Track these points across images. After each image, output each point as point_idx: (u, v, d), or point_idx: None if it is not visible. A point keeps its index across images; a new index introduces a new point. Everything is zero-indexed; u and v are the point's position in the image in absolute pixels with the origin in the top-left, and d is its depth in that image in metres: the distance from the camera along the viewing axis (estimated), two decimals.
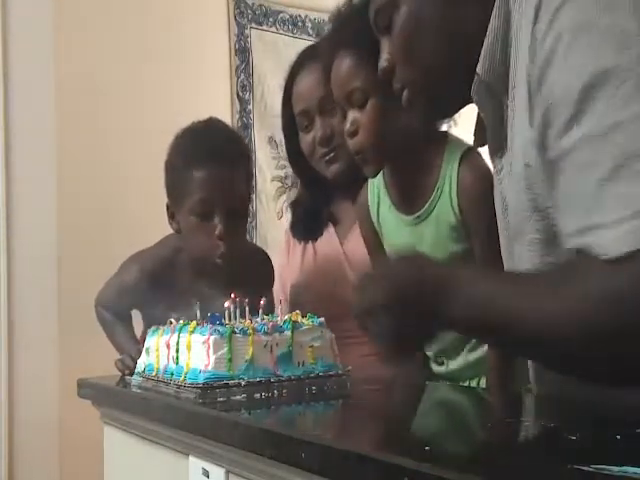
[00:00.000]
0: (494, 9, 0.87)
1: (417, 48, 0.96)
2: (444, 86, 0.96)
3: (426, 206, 1.24)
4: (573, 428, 0.66)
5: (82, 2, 2.57)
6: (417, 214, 1.26)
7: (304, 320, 1.10)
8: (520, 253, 0.90)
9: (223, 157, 1.42)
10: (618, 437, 0.62)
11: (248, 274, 1.47)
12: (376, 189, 1.35)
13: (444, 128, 1.29)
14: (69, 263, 2.40)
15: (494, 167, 0.97)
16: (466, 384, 1.31)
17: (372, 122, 1.20)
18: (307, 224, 1.66)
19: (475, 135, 1.02)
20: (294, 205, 1.75)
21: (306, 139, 1.56)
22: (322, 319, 1.11)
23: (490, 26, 0.88)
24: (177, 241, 1.50)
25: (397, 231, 1.32)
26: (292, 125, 1.60)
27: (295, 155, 1.61)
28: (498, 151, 0.94)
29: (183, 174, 1.43)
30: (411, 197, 1.27)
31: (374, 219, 1.38)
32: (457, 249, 1.23)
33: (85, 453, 1.90)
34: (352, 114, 1.21)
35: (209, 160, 1.41)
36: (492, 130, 0.94)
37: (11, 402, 2.32)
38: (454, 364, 1.31)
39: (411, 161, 1.25)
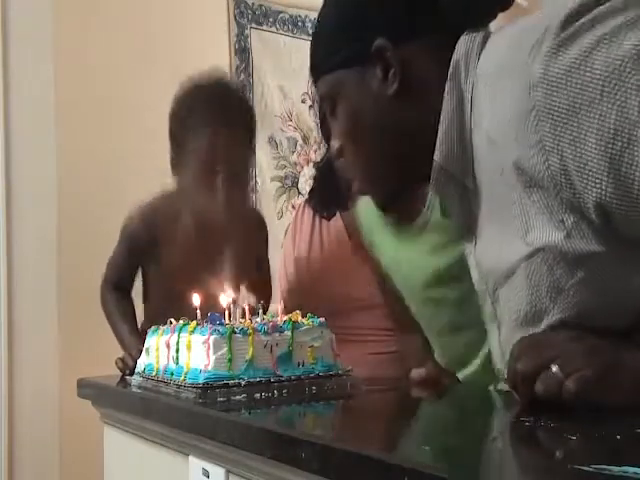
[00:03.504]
0: (445, 94, 0.86)
1: (358, 141, 0.95)
2: (390, 175, 0.95)
3: (424, 210, 1.22)
4: (573, 428, 0.66)
5: (82, 2, 2.57)
6: (418, 220, 1.24)
7: (304, 320, 1.10)
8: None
9: (228, 113, 1.47)
10: (618, 437, 0.62)
11: (243, 236, 1.51)
12: (368, 216, 1.34)
13: None
14: (69, 262, 2.40)
15: (464, 248, 0.96)
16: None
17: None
18: (325, 194, 1.66)
19: (442, 211, 0.98)
20: (318, 167, 1.75)
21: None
22: (322, 319, 1.11)
23: (443, 111, 0.86)
24: (178, 196, 1.54)
25: (398, 246, 1.30)
26: None
27: (323, 123, 1.63)
28: (469, 235, 0.93)
29: (188, 126, 1.48)
30: (407, 210, 1.25)
31: (367, 243, 1.38)
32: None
33: (85, 453, 1.90)
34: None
35: (214, 115, 1.46)
36: (460, 215, 0.92)
37: (11, 402, 2.32)
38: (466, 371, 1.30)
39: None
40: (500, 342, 0.91)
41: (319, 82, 0.97)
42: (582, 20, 0.72)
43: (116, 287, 1.57)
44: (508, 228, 0.82)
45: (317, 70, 0.98)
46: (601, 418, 0.69)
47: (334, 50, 0.94)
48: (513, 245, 0.82)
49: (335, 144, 0.99)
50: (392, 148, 0.92)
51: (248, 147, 1.55)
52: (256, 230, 1.63)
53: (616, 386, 0.72)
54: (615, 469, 0.50)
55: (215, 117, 1.46)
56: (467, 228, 0.93)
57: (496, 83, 0.79)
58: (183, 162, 1.49)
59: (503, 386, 1.07)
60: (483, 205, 0.87)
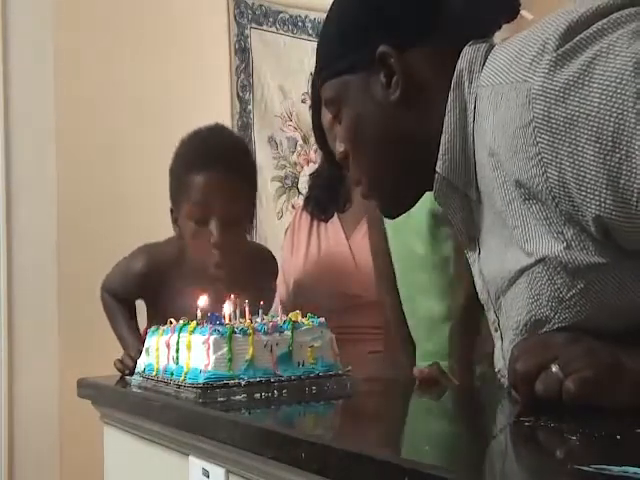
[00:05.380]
0: (448, 104, 0.86)
1: (362, 146, 0.94)
2: (393, 181, 0.95)
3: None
4: (573, 428, 0.66)
5: (82, 2, 2.57)
6: None
7: (304, 320, 1.10)
8: None
9: (223, 163, 1.41)
10: (618, 437, 0.62)
11: (250, 276, 1.47)
12: None
13: None
14: (69, 262, 2.40)
15: (468, 257, 0.96)
16: None
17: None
18: (322, 198, 1.67)
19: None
20: (313, 177, 1.76)
21: (328, 114, 1.55)
22: (322, 319, 1.11)
23: (446, 121, 0.86)
24: (178, 241, 1.50)
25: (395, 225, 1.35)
26: (319, 99, 1.60)
27: (318, 129, 1.62)
28: (472, 243, 0.93)
29: (183, 178, 1.43)
30: None
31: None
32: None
33: (85, 453, 1.90)
34: None
35: (208, 165, 1.40)
36: (463, 225, 0.92)
37: (11, 402, 2.32)
38: None
39: None
40: (502, 351, 0.91)
41: (324, 86, 0.97)
42: (581, 35, 0.72)
43: (114, 296, 1.57)
44: (510, 238, 0.82)
45: (323, 74, 0.98)
46: (601, 418, 0.69)
47: (339, 55, 0.94)
48: (515, 255, 0.82)
49: (339, 148, 0.99)
50: (395, 154, 0.92)
51: (246, 192, 1.48)
52: (256, 273, 1.55)
53: (615, 387, 0.72)
54: (615, 469, 0.50)
55: (209, 162, 1.40)
56: (470, 237, 0.93)
57: (497, 96, 0.79)
58: (180, 212, 1.45)
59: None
60: (486, 215, 0.88)
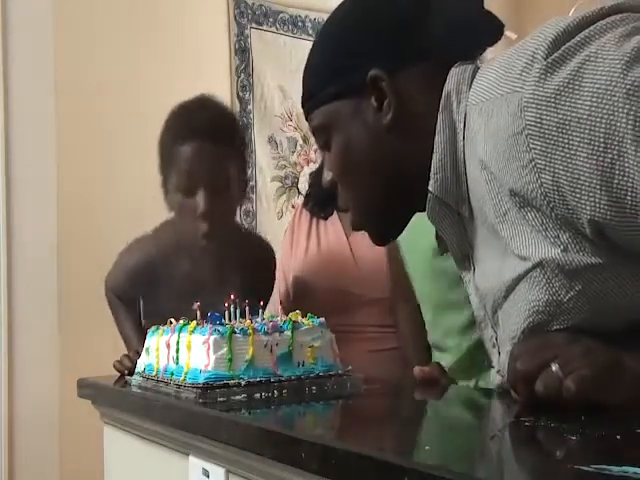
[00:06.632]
0: (438, 125, 0.86)
1: (353, 173, 0.94)
2: (384, 208, 0.95)
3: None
4: (573, 428, 0.66)
5: (82, 1, 2.57)
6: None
7: (304, 320, 1.10)
8: None
9: (209, 132, 1.39)
10: (618, 437, 0.62)
11: (248, 272, 1.46)
12: None
13: None
14: (69, 263, 2.40)
15: (463, 277, 0.96)
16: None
17: None
18: (322, 196, 1.68)
19: (438, 244, 0.99)
20: (313, 176, 1.77)
21: None
22: (322, 319, 1.11)
23: (437, 141, 0.86)
24: (173, 228, 1.49)
25: (422, 263, 1.33)
26: None
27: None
28: (465, 261, 0.94)
29: (170, 149, 1.41)
30: None
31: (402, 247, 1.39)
32: None
33: (85, 453, 1.90)
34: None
35: (194, 135, 1.38)
36: (456, 243, 0.92)
37: (11, 402, 2.32)
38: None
39: None
40: (499, 364, 0.91)
41: (313, 114, 0.97)
42: (569, 43, 0.73)
43: (117, 296, 1.57)
44: (505, 249, 0.83)
45: (311, 103, 0.97)
46: (601, 418, 0.69)
47: (328, 82, 0.94)
48: (511, 264, 0.82)
49: (327, 176, 0.99)
50: (386, 178, 0.92)
51: (234, 161, 1.46)
52: (255, 261, 1.54)
53: (615, 385, 0.72)
54: (615, 469, 0.50)
55: (195, 132, 1.39)
56: (464, 255, 0.93)
57: (488, 110, 0.80)
58: (169, 182, 1.43)
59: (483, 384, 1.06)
60: (479, 231, 0.88)
